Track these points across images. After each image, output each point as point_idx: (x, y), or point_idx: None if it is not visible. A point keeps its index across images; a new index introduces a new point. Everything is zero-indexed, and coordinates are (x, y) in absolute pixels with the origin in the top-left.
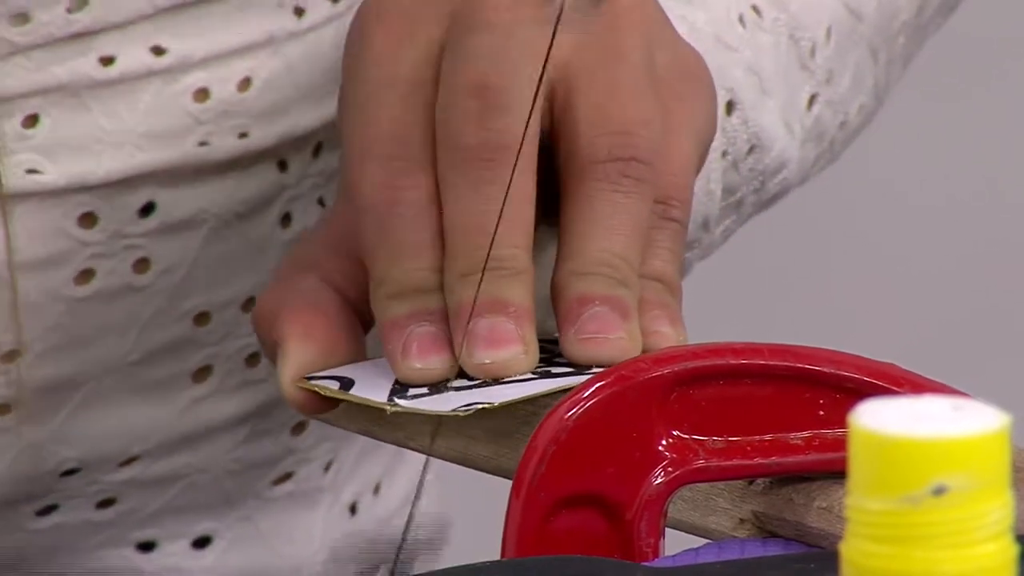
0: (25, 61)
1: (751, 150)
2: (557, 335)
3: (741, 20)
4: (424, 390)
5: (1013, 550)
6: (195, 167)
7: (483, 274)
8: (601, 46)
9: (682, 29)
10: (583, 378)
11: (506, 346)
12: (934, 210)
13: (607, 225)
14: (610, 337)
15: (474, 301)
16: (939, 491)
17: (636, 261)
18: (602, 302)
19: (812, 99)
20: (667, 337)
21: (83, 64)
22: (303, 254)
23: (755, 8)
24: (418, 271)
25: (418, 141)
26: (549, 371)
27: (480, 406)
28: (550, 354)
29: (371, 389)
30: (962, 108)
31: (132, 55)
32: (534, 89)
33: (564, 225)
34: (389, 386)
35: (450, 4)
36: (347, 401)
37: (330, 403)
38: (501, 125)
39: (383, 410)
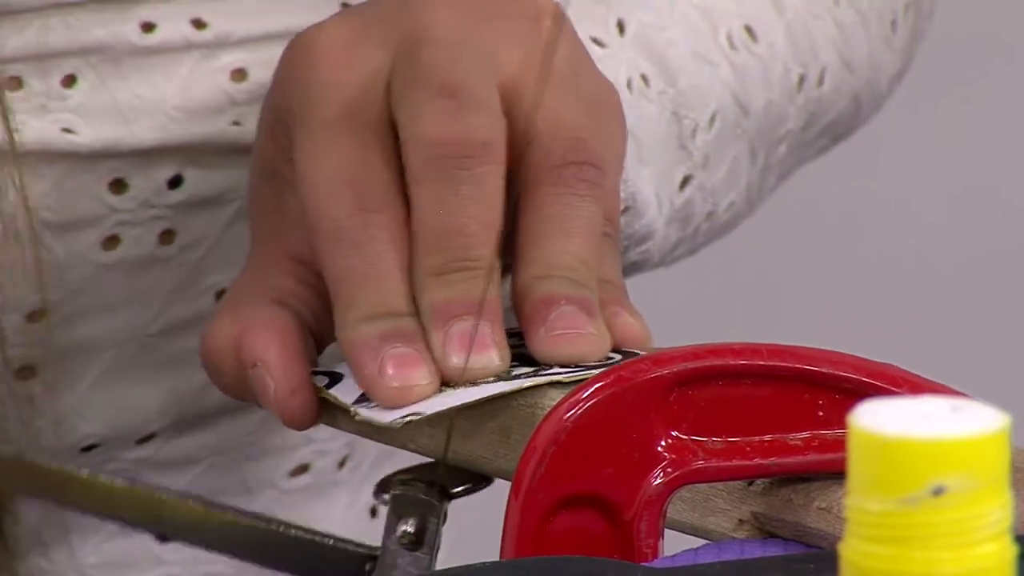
0: (70, 19)
1: (625, 211)
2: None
3: (629, 85)
4: None
5: (1012, 550)
6: (226, 146)
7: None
8: (542, 66)
9: None
10: (540, 379)
11: (482, 351)
12: (933, 210)
13: (564, 228)
14: (582, 332)
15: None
16: (938, 491)
17: (594, 263)
18: (568, 301)
19: (686, 180)
20: (632, 325)
21: (124, 28)
22: (248, 284)
23: (644, 77)
24: (391, 294)
25: (380, 170)
26: (508, 372)
27: (408, 418)
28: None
29: (351, 389)
30: (961, 108)
31: (173, 25)
32: (494, 93)
33: (521, 232)
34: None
35: (394, 30)
36: (325, 398)
37: (318, 415)
38: (476, 121)
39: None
